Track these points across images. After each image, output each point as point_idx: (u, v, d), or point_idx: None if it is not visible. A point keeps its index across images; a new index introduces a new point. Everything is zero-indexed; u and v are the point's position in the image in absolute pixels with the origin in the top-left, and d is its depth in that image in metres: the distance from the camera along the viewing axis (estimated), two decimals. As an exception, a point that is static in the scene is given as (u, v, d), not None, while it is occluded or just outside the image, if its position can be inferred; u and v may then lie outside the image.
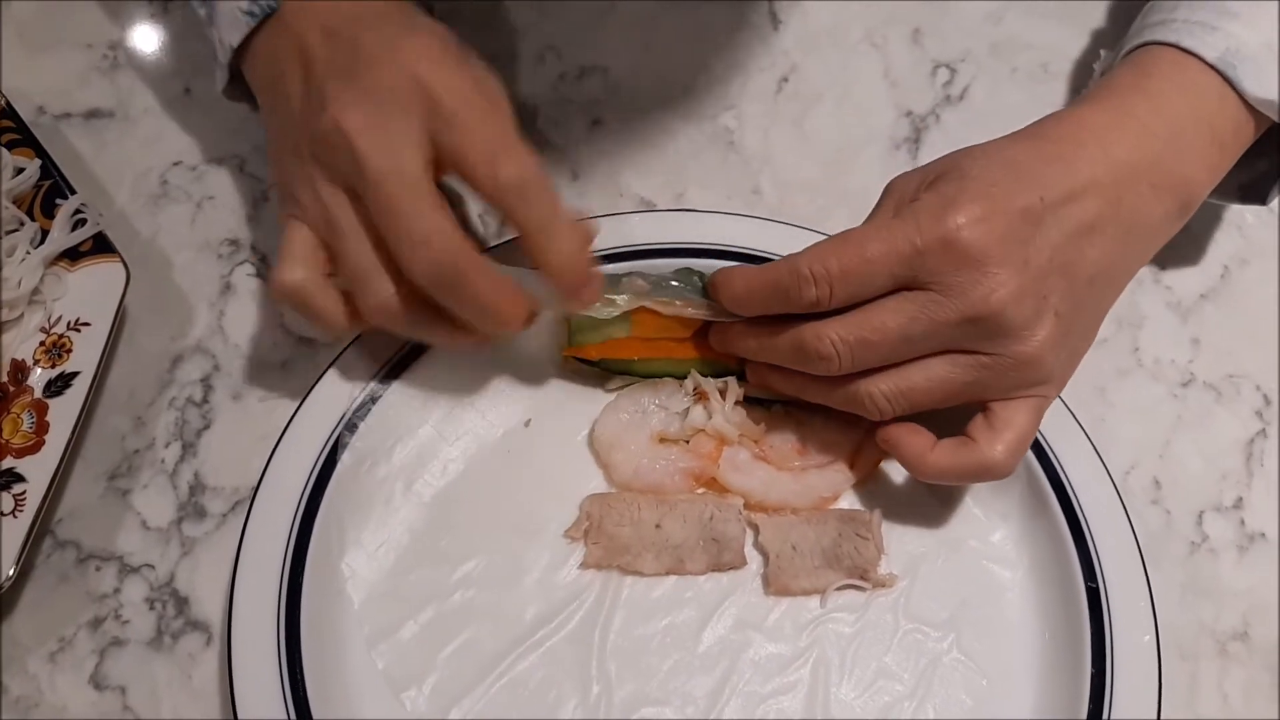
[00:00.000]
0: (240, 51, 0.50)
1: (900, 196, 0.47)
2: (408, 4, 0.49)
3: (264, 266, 0.56)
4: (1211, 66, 0.48)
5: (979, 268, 0.43)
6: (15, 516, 0.46)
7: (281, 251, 0.46)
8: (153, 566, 0.49)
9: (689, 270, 0.51)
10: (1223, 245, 0.61)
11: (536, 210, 0.45)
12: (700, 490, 0.51)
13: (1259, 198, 0.55)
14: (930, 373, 0.46)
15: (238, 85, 0.52)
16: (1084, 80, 0.67)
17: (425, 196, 0.44)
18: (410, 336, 0.50)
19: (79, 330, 0.50)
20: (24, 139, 0.55)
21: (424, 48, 0.45)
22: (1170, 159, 0.47)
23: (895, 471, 0.52)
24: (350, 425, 0.49)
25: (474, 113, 0.45)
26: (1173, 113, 0.48)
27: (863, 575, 0.49)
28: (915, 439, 0.48)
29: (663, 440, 0.52)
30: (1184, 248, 0.60)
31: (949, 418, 0.48)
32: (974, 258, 0.43)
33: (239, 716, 0.43)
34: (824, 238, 0.55)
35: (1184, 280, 0.60)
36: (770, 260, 0.54)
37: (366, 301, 0.45)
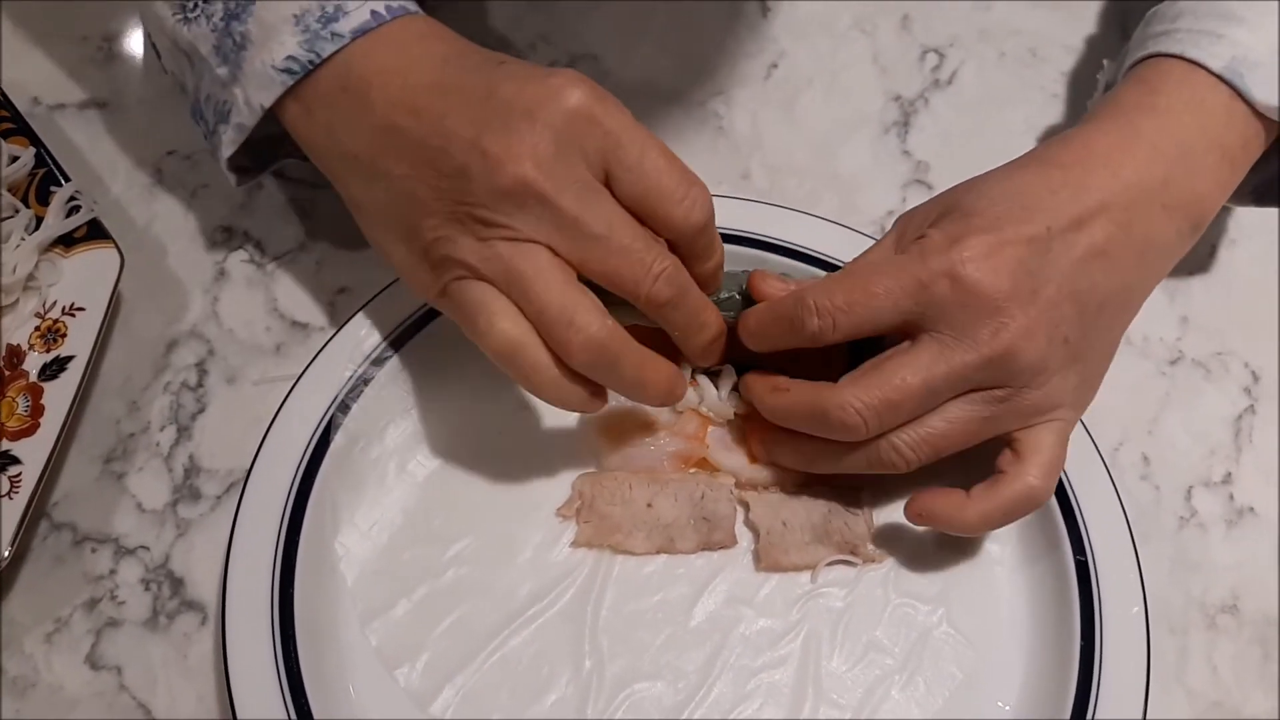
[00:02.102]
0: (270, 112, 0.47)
1: (905, 230, 0.47)
2: (482, 48, 0.46)
3: (257, 253, 0.57)
4: (1218, 77, 0.47)
5: (988, 302, 0.43)
6: (11, 498, 0.46)
7: (479, 312, 0.43)
8: (148, 548, 0.49)
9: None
10: (1211, 226, 0.61)
11: (716, 249, 0.47)
12: (691, 471, 0.52)
13: (1274, 199, 0.55)
14: (948, 415, 0.45)
15: (248, 153, 0.50)
16: (1071, 65, 0.68)
17: (640, 235, 0.43)
18: (616, 379, 0.45)
19: (74, 315, 0.51)
20: (19, 128, 0.55)
21: (559, 73, 0.43)
22: (1180, 178, 0.46)
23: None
24: (343, 406, 0.49)
25: (651, 149, 0.43)
26: (1181, 132, 0.47)
27: (853, 551, 0.50)
28: (947, 500, 0.46)
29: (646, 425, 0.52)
30: (1172, 227, 0.60)
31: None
32: (982, 292, 0.43)
33: (234, 694, 0.43)
34: (814, 219, 0.56)
35: (1172, 260, 0.60)
36: (759, 240, 0.55)
37: (576, 338, 0.42)
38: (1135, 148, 0.46)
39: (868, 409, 0.43)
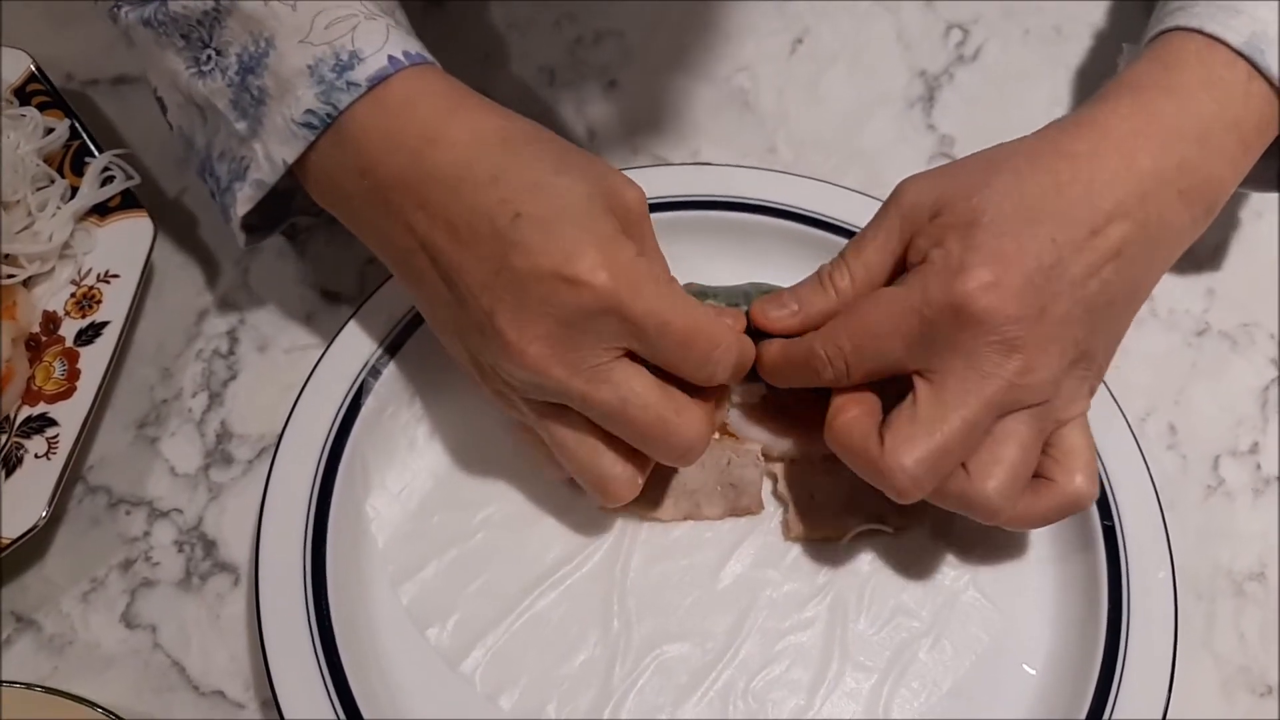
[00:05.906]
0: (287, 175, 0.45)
1: (906, 211, 0.45)
2: (503, 141, 0.44)
3: (289, 226, 0.57)
4: (1239, 53, 0.46)
5: (995, 331, 0.41)
6: (49, 459, 0.47)
7: (538, 462, 0.47)
8: (181, 511, 0.50)
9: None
10: (1236, 199, 0.61)
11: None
12: (716, 438, 0.52)
13: None
14: (1009, 441, 0.43)
15: (257, 210, 0.47)
16: (1095, 42, 0.67)
17: (664, 407, 0.42)
18: None
19: (108, 282, 0.52)
20: (54, 102, 0.56)
21: (575, 244, 0.41)
22: (1198, 161, 0.45)
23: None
24: (374, 371, 0.50)
25: (672, 325, 0.42)
26: (1200, 111, 0.46)
27: (881, 519, 0.50)
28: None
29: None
30: (1197, 200, 0.60)
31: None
32: (988, 321, 0.41)
33: (268, 654, 0.44)
34: (840, 190, 0.56)
35: (1198, 233, 0.60)
36: (785, 211, 0.55)
37: (612, 498, 0.45)
38: (1152, 131, 0.45)
39: (918, 466, 0.42)
